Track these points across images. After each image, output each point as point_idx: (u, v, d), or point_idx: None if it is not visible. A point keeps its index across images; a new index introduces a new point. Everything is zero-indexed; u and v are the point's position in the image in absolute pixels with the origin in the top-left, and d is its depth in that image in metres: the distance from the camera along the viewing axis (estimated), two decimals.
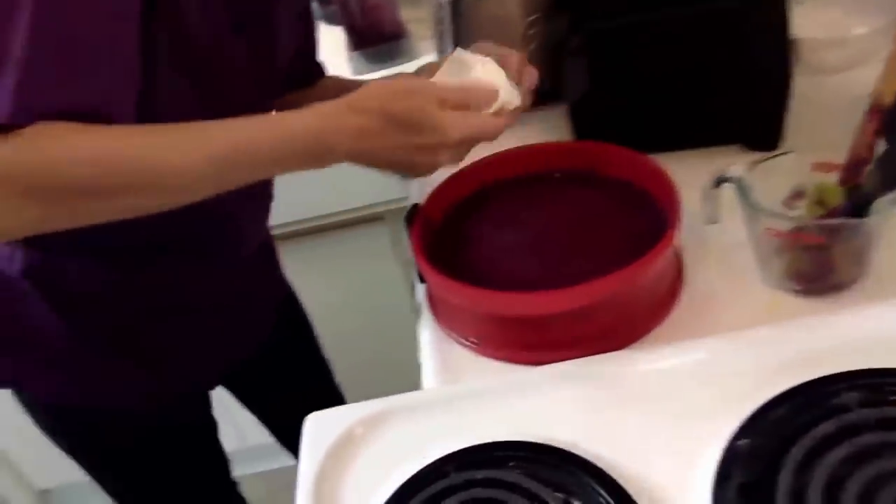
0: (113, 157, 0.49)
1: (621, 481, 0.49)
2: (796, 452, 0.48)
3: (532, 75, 0.65)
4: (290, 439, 1.16)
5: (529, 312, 0.59)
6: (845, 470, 0.46)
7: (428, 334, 0.66)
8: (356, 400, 1.02)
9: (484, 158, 0.75)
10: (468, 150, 0.61)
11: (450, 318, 0.66)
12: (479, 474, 0.51)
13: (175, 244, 0.69)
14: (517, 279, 0.64)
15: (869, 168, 0.53)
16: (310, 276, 1.32)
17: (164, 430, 0.81)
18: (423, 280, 0.69)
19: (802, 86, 0.79)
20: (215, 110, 0.61)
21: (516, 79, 0.63)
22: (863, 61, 0.89)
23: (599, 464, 0.51)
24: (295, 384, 1.02)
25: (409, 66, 1.19)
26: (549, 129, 0.91)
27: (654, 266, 0.59)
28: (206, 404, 0.90)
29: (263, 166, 0.56)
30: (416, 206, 0.70)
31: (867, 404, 0.50)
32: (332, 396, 1.10)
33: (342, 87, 0.88)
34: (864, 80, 0.88)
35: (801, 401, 0.52)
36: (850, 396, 0.51)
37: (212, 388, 0.89)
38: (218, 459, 0.94)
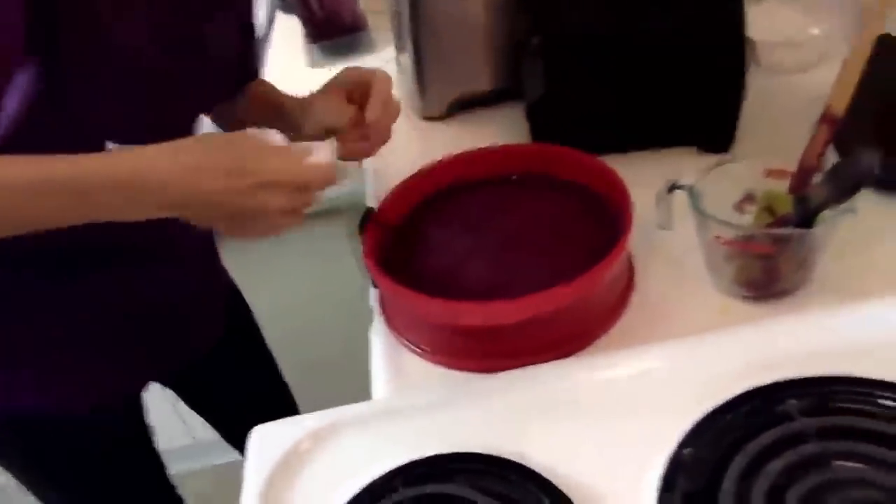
0: None
1: (569, 492, 0.50)
2: (739, 461, 0.48)
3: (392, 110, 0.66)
4: (238, 439, 1.15)
5: (480, 323, 0.59)
6: (786, 479, 0.47)
7: (379, 341, 0.65)
8: (307, 400, 1.02)
9: (440, 161, 0.74)
10: (300, 202, 0.55)
11: (402, 325, 0.65)
12: (428, 489, 0.51)
13: (100, 250, 0.67)
14: (472, 285, 0.63)
15: (817, 180, 0.53)
16: (263, 275, 1.29)
17: (100, 436, 0.80)
18: (376, 284, 0.69)
19: (758, 87, 0.80)
20: (147, 121, 0.60)
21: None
22: (818, 63, 0.89)
23: (547, 474, 0.51)
24: (240, 384, 1.01)
25: (369, 59, 1.18)
26: (508, 128, 0.91)
27: (606, 275, 0.59)
28: (140, 409, 0.89)
29: (65, 204, 0.51)
30: (369, 210, 0.69)
31: (809, 413, 0.50)
32: (279, 396, 1.09)
33: (267, 95, 0.85)
34: (820, 82, 0.89)
35: (745, 409, 0.52)
36: (793, 405, 0.51)
37: (144, 389, 0.88)
38: (153, 463, 0.93)
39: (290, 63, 1.21)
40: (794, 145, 0.77)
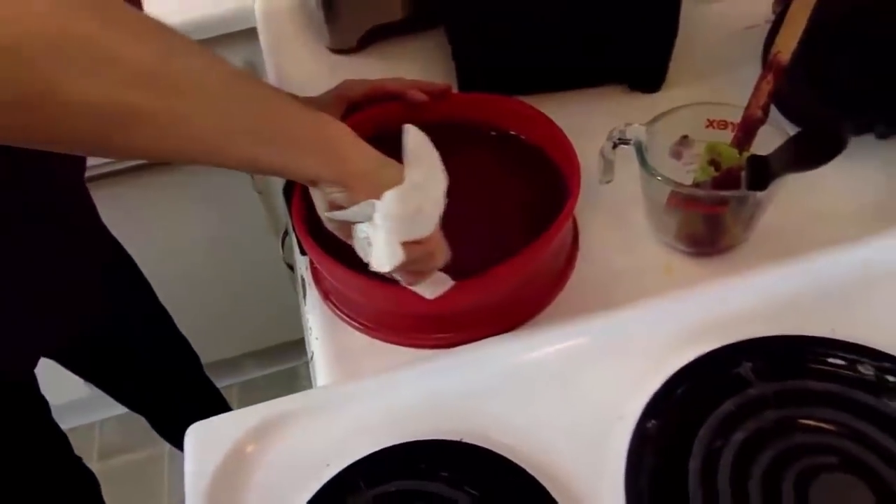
0: None
1: (538, 475, 0.48)
2: (703, 435, 0.49)
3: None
4: (144, 407, 1.09)
5: (424, 311, 0.55)
6: (750, 450, 0.48)
7: (316, 318, 0.61)
8: (213, 354, 0.95)
9: (365, 111, 0.67)
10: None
11: (340, 300, 0.61)
12: (393, 486, 0.49)
13: None
14: None
15: (779, 147, 0.52)
16: (152, 222, 1.18)
17: None
18: (304, 252, 0.63)
19: (684, 17, 0.77)
20: None
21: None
22: None
23: (515, 458, 0.50)
24: (134, 349, 0.95)
25: None
26: (425, 59, 0.84)
27: (553, 245, 0.56)
28: (33, 384, 0.82)
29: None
30: None
31: (765, 377, 0.51)
32: (178, 351, 1.06)
33: None
34: (745, 10, 0.88)
35: (701, 375, 0.53)
36: (748, 368, 0.52)
37: (33, 366, 0.80)
38: (55, 439, 0.87)
39: None
40: (724, 79, 0.77)
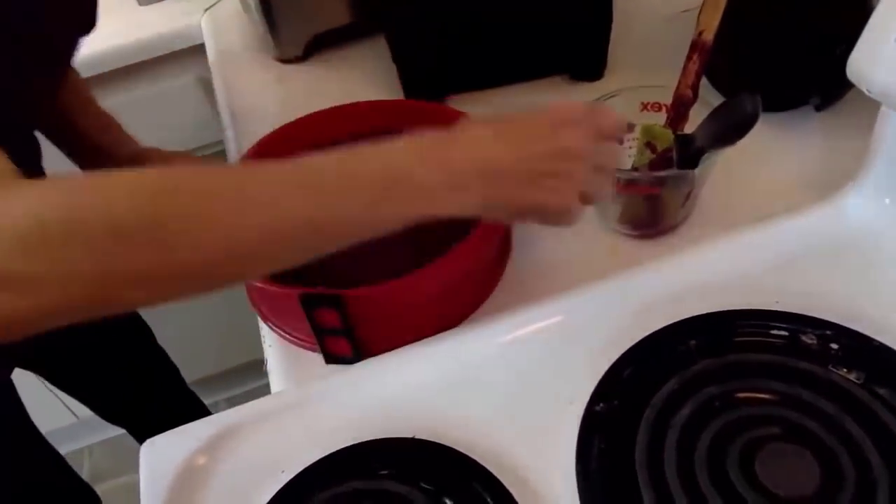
0: None
1: (490, 466, 0.49)
2: (648, 414, 0.49)
3: None
4: (118, 416, 1.09)
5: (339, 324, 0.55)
6: (695, 426, 0.48)
7: (269, 332, 0.61)
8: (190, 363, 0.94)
9: (300, 119, 0.67)
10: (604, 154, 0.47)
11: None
12: (347, 487, 0.49)
13: None
14: (346, 265, 0.59)
15: (701, 124, 0.52)
16: None
17: None
18: None
19: (620, 5, 0.78)
20: None
21: None
22: None
23: (467, 451, 0.50)
24: (112, 358, 0.96)
25: None
26: (372, 66, 0.85)
27: (488, 244, 0.56)
28: (12, 391, 0.82)
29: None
30: None
31: (709, 352, 0.52)
32: (156, 365, 1.06)
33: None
34: None
35: (648, 355, 0.53)
36: (693, 345, 0.53)
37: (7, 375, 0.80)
38: (49, 455, 0.88)
39: (118, 3, 1.07)
40: (666, 63, 0.77)
